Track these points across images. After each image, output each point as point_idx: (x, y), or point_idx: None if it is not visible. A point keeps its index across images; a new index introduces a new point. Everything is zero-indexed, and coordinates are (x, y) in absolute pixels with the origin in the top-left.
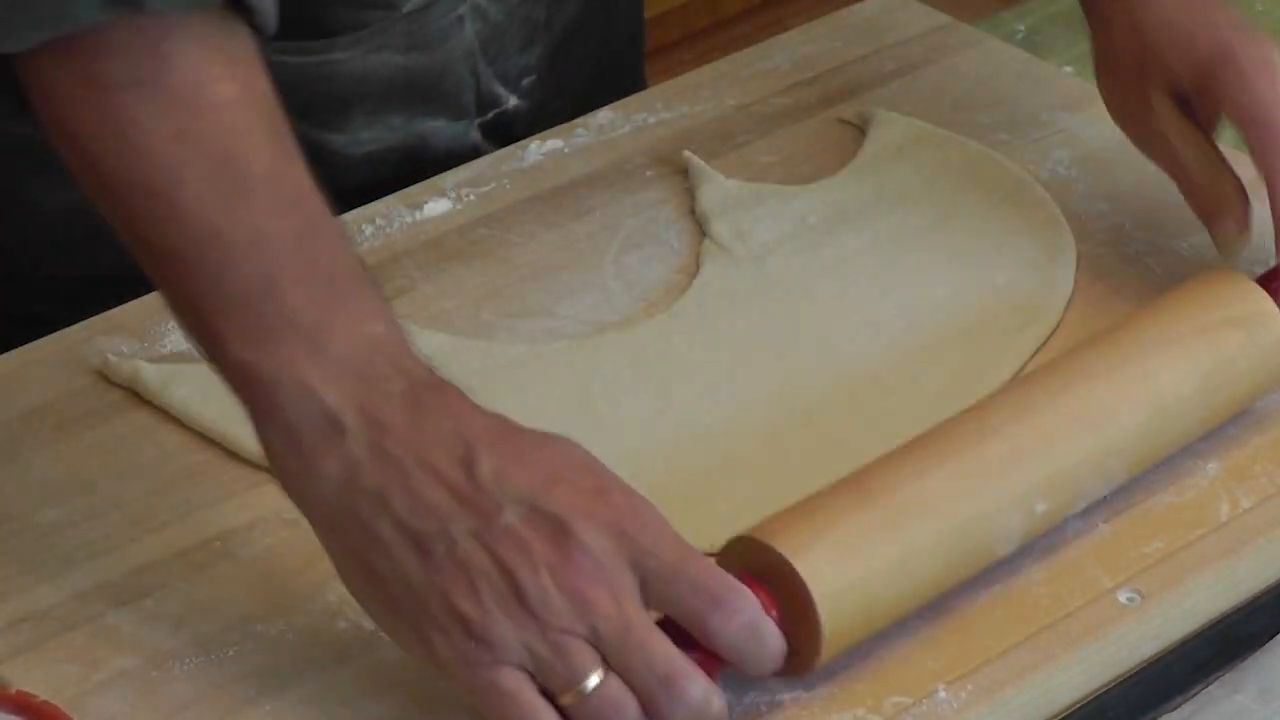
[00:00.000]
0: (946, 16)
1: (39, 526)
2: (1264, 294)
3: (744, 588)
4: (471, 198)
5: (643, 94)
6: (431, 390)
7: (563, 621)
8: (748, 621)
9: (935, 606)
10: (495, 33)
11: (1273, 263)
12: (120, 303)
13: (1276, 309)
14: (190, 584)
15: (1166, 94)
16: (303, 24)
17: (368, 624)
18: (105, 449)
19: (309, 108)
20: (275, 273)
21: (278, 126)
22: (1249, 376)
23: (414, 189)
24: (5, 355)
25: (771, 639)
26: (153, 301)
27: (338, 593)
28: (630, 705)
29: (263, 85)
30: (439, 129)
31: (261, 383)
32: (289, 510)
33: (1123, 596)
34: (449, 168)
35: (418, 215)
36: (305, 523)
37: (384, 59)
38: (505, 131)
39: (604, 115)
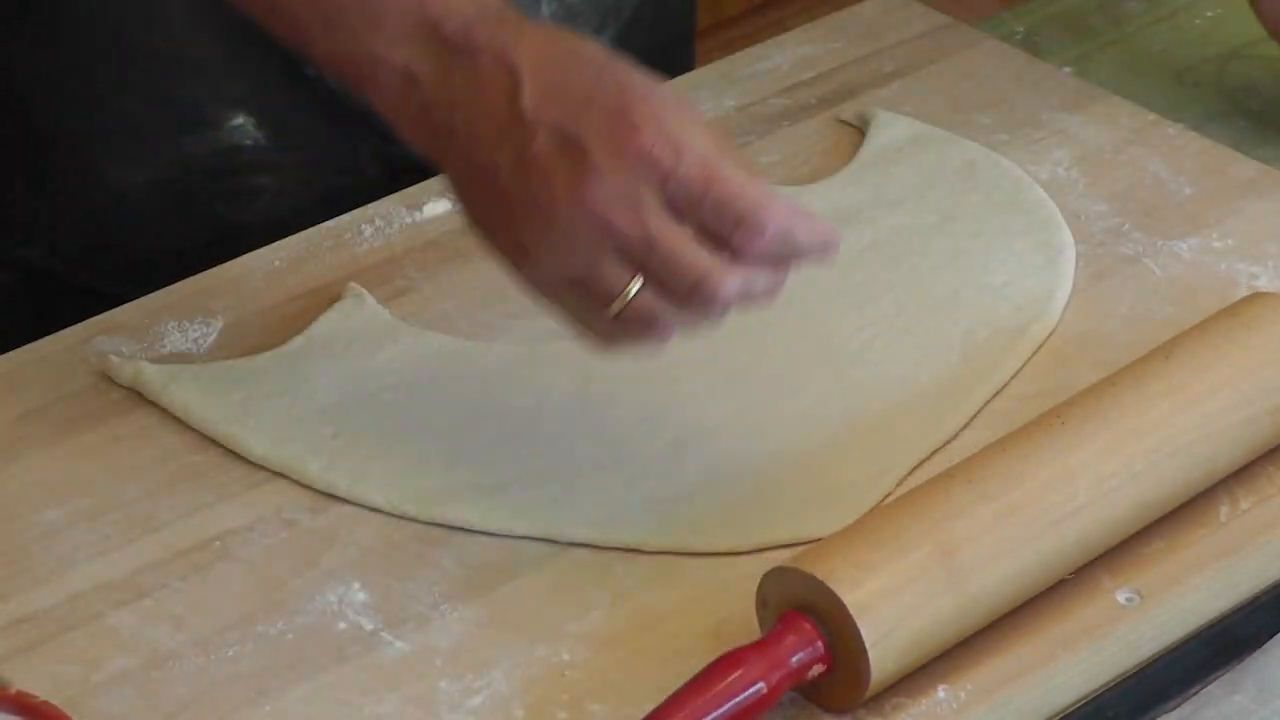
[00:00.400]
0: (946, 17)
1: (39, 526)
2: None
3: (772, 199)
4: None
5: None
6: (485, 24)
7: (588, 244)
8: (775, 233)
9: None
10: (569, 15)
11: None
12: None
13: None
14: (190, 584)
15: None
16: None
17: (368, 624)
18: (105, 449)
19: None
20: None
21: None
22: None
23: (414, 189)
24: (6, 355)
25: (805, 235)
26: (153, 302)
27: (337, 593)
28: (663, 311)
29: None
30: None
31: (347, 64)
32: (289, 510)
33: (1122, 596)
34: None
35: (418, 216)
36: (305, 522)
37: None
38: None
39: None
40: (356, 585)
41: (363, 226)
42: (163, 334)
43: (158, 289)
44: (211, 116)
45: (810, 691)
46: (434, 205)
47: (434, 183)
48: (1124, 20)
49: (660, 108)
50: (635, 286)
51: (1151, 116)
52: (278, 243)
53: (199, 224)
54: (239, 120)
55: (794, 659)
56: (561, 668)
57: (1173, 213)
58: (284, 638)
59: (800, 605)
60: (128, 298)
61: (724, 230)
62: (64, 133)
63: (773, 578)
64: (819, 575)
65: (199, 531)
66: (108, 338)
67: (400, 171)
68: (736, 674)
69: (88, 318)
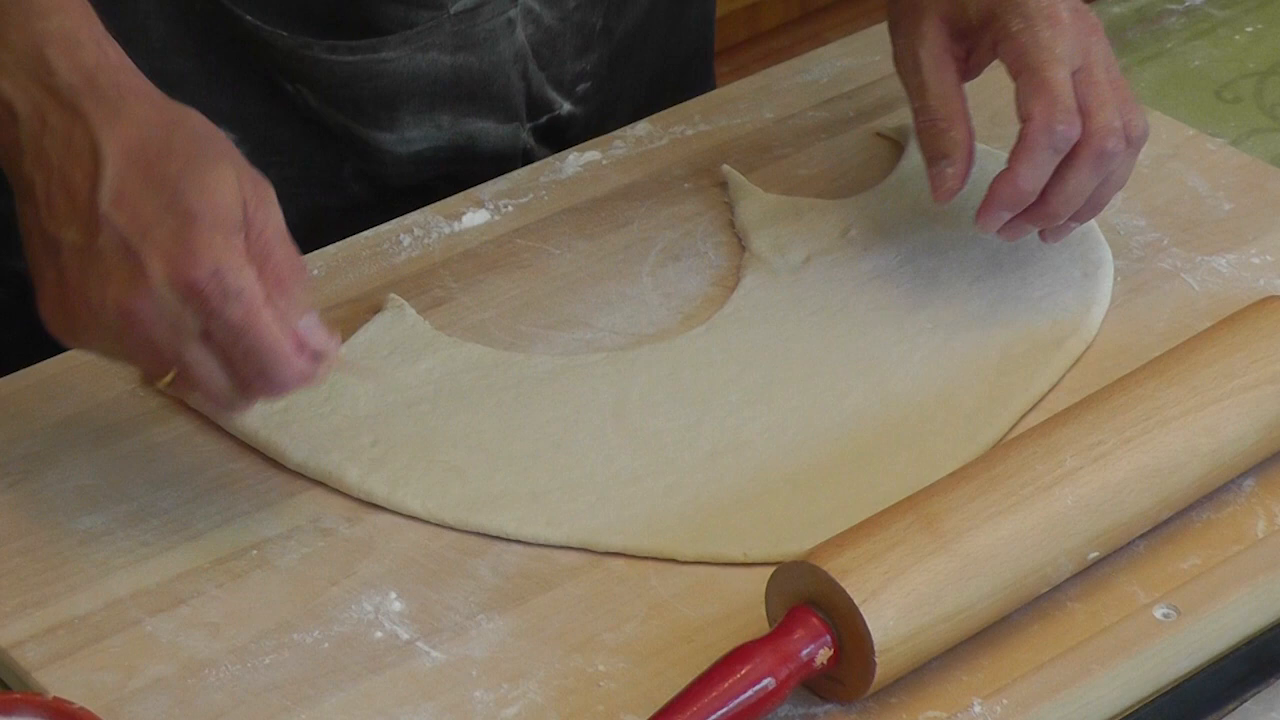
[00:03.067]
0: None
1: (76, 533)
2: None
3: (291, 358)
4: (510, 209)
5: (680, 106)
6: (95, 95)
7: (129, 345)
8: (286, 388)
9: None
10: (548, 37)
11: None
12: None
13: None
14: (227, 592)
15: (942, 21)
16: (351, 23)
17: (404, 633)
18: (143, 457)
19: (358, 106)
20: None
21: None
22: None
23: (452, 200)
24: (45, 363)
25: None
26: None
27: (374, 602)
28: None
29: None
30: (488, 130)
31: None
32: (326, 519)
33: (1159, 612)
34: (499, 169)
35: (456, 226)
36: (342, 532)
37: (432, 59)
38: (559, 137)
39: (642, 127)
40: (393, 594)
41: (401, 236)
42: None
43: None
44: None
45: (821, 685)
46: (472, 216)
47: (473, 193)
48: (1163, 35)
49: (223, 242)
50: (169, 378)
51: (1190, 132)
52: (316, 251)
53: None
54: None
55: (803, 652)
56: (596, 678)
57: (1211, 228)
58: (320, 646)
59: (806, 599)
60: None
61: (247, 375)
62: None
63: (778, 576)
64: (822, 566)
65: (236, 539)
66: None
67: (387, 193)
68: (746, 669)
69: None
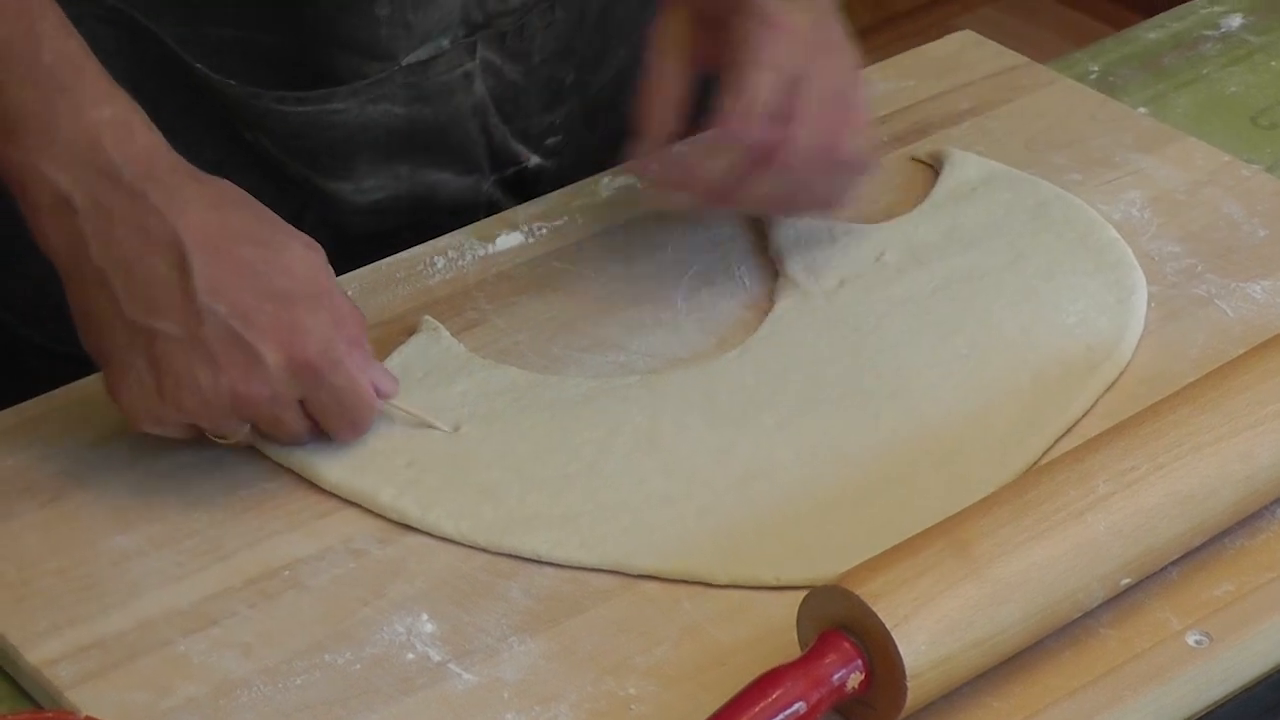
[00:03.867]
0: (1020, 56)
1: (110, 553)
2: None
3: (374, 410)
4: (544, 231)
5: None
6: (157, 182)
7: (225, 422)
8: (361, 432)
9: None
10: (511, 91)
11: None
12: None
13: None
14: (259, 612)
15: (690, 11)
16: (301, 73)
17: (436, 655)
18: (176, 477)
19: (314, 155)
20: (3, 74)
21: None
22: None
23: (486, 222)
24: (79, 382)
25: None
26: None
27: (406, 624)
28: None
29: None
30: (447, 181)
31: (11, 171)
32: (358, 540)
33: (1191, 639)
34: (460, 220)
35: (490, 248)
36: (374, 553)
37: (384, 110)
38: (527, 190)
39: (677, 150)
40: (425, 616)
41: (435, 258)
42: None
43: None
44: None
45: (852, 710)
46: (506, 238)
47: (507, 215)
48: (1199, 61)
49: (319, 316)
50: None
51: (1226, 158)
52: (351, 273)
53: None
54: None
55: (834, 677)
56: (628, 701)
57: (1246, 255)
58: (352, 668)
59: (838, 624)
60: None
61: (338, 426)
62: (6, 191)
63: (810, 600)
64: (853, 590)
65: (268, 560)
66: None
67: (348, 241)
68: (778, 693)
69: (52, 373)
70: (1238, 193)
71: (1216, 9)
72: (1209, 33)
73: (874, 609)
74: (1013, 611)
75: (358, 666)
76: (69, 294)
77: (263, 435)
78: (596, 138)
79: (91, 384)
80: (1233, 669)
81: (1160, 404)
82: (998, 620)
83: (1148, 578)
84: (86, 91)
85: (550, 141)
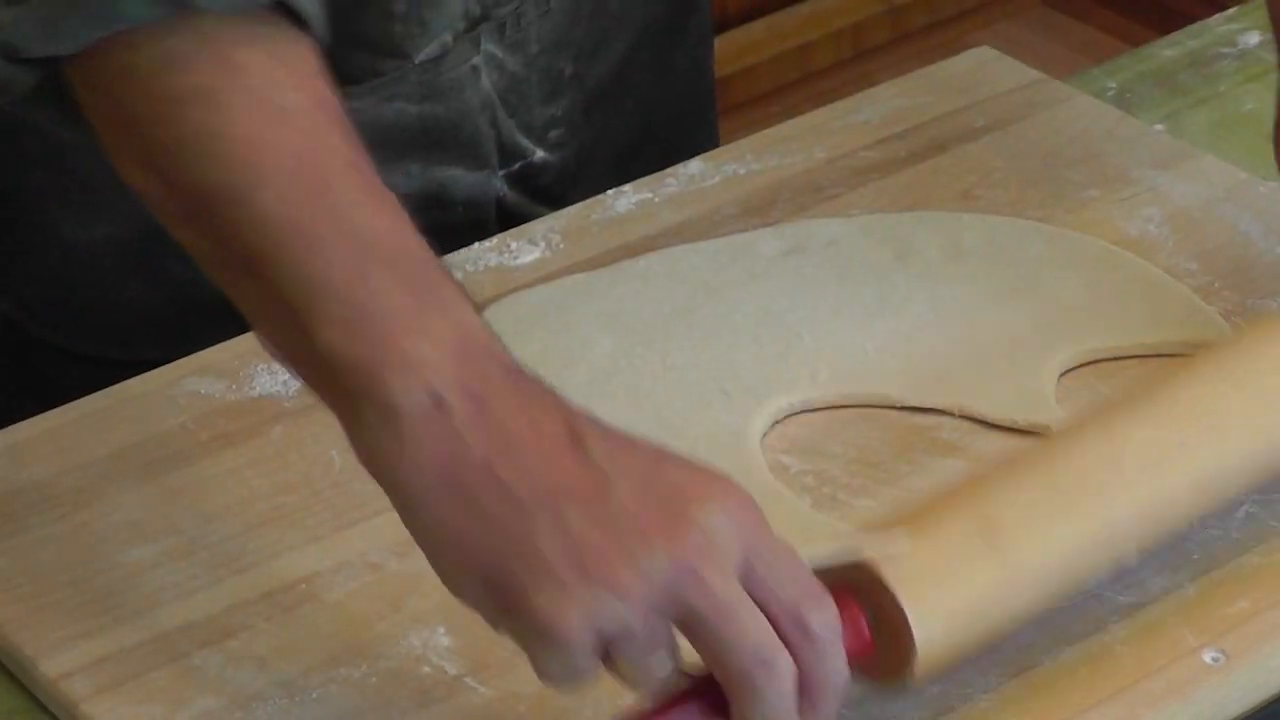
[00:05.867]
0: (1038, 72)
1: (125, 565)
2: None
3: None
4: (562, 246)
5: (733, 145)
6: (527, 378)
7: (658, 589)
8: (833, 622)
9: (1018, 664)
10: (514, 83)
11: None
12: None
13: None
14: (275, 626)
15: None
16: None
17: (451, 669)
18: (192, 490)
19: None
20: (367, 259)
21: (349, 129)
22: None
23: (505, 235)
24: (96, 395)
25: (842, 665)
26: (243, 344)
27: (421, 637)
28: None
29: (329, 92)
30: (458, 178)
31: (358, 365)
32: (374, 554)
33: (1208, 656)
34: (470, 217)
35: (508, 261)
36: (391, 566)
37: (398, 108)
38: (534, 184)
39: (695, 165)
40: (441, 630)
41: (453, 272)
42: (252, 375)
43: (126, 350)
44: None
45: (863, 670)
46: (525, 252)
47: (526, 229)
48: (1216, 79)
49: (730, 478)
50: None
51: (1243, 175)
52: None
53: (157, 283)
54: None
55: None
56: (646, 717)
57: (1263, 272)
58: (368, 681)
59: (844, 586)
60: (98, 357)
61: (797, 597)
62: (23, 187)
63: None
64: (871, 566)
65: (285, 573)
66: (197, 378)
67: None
68: None
69: (63, 374)
70: (1255, 210)
71: (1234, 26)
72: (1226, 50)
73: (897, 596)
74: (1029, 595)
75: (374, 680)
76: (430, 520)
77: (728, 659)
78: (595, 131)
79: (108, 396)
80: (1249, 686)
81: (1188, 374)
82: (1012, 606)
83: (1164, 594)
84: (452, 290)
85: (553, 134)
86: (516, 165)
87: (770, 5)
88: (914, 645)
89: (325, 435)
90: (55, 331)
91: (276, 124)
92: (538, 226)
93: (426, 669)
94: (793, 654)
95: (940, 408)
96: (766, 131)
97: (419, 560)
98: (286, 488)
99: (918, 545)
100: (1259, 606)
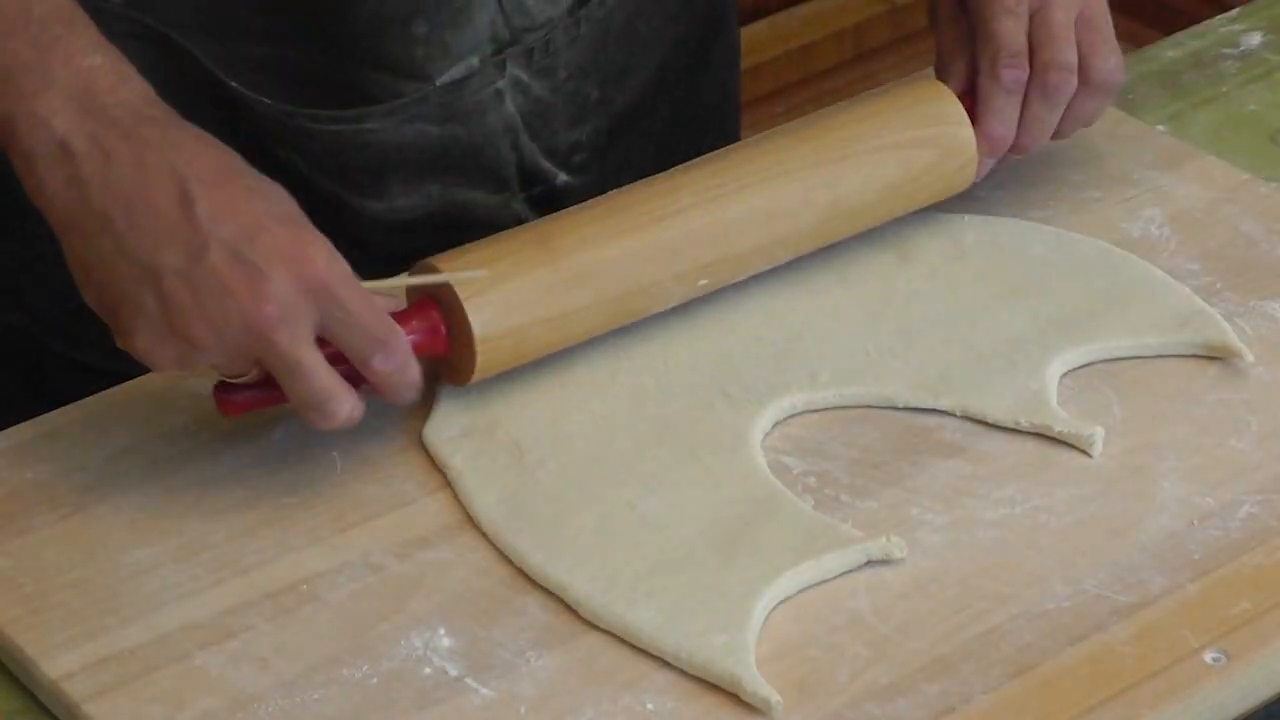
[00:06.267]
0: None
1: (127, 566)
2: (963, 114)
3: (401, 333)
4: None
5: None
6: (152, 122)
7: (239, 352)
8: (399, 364)
9: (1018, 664)
10: (539, 108)
11: None
12: None
13: (972, 132)
14: (277, 626)
15: None
16: (337, 92)
17: (453, 670)
18: (194, 491)
19: (346, 174)
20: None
21: None
22: (930, 189)
23: None
24: (99, 395)
25: (413, 378)
26: None
27: (423, 638)
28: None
29: None
30: (477, 200)
31: (1, 122)
32: (376, 555)
33: (1209, 656)
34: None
35: None
36: (392, 567)
37: (419, 129)
38: (555, 206)
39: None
40: (442, 631)
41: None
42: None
43: (139, 366)
44: None
45: (444, 368)
46: None
47: None
48: (1219, 79)
49: (322, 238)
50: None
51: (1244, 176)
52: (368, 284)
53: None
54: None
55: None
56: (646, 717)
57: (1264, 272)
58: (369, 682)
59: (429, 300)
60: (109, 370)
61: (366, 350)
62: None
63: (414, 272)
64: (439, 265)
65: (287, 574)
66: (199, 379)
67: (378, 260)
68: None
69: (76, 385)
70: (1256, 211)
71: (1236, 27)
72: (1228, 51)
73: (452, 283)
74: (584, 295)
75: (375, 681)
76: (68, 248)
77: (290, 393)
78: (620, 155)
79: (110, 397)
80: (1250, 687)
81: (761, 137)
82: (567, 301)
83: (1166, 595)
84: (78, 41)
85: (577, 158)
86: (538, 189)
87: (773, 5)
88: (473, 335)
89: (327, 437)
90: (68, 344)
91: None
92: None
93: (428, 670)
94: (370, 383)
95: (942, 408)
96: (769, 132)
97: (420, 562)
98: (288, 489)
99: (488, 264)
100: (1260, 608)
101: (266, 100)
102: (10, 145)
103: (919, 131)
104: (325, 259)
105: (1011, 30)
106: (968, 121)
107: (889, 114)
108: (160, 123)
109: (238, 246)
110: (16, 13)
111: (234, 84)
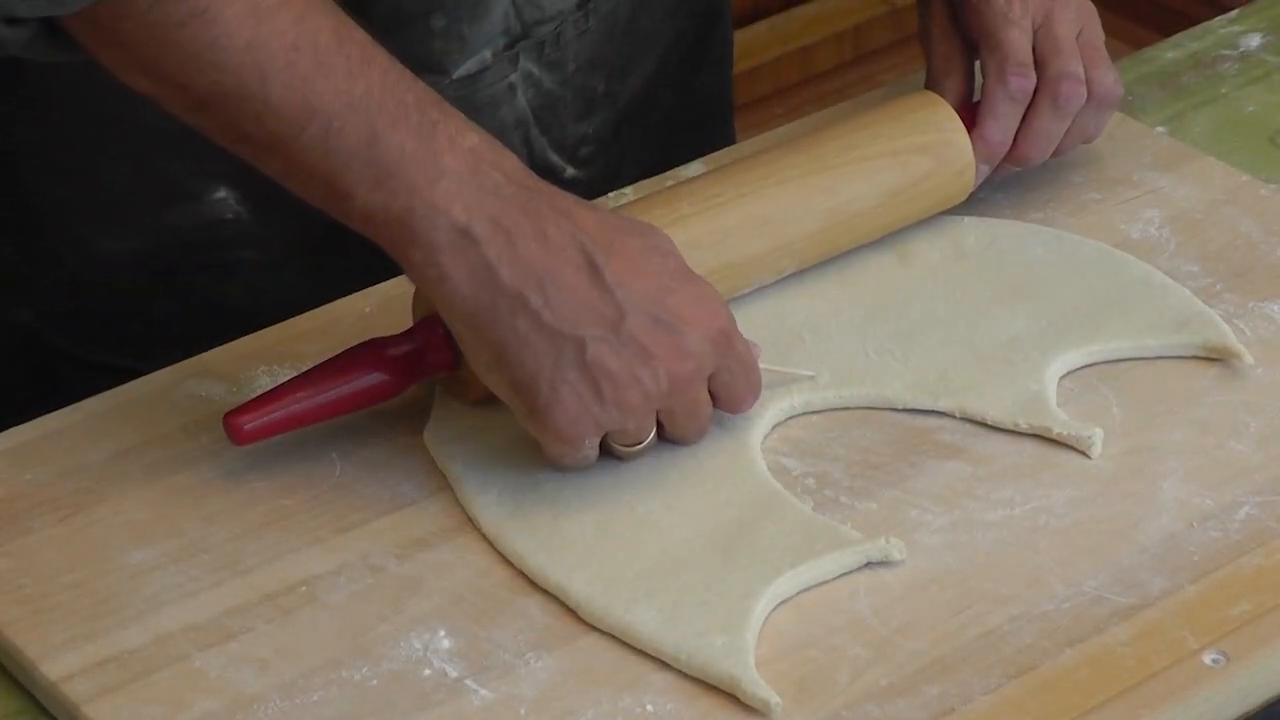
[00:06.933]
0: None
1: (127, 568)
2: (959, 122)
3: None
4: None
5: (734, 147)
6: (538, 194)
7: (655, 402)
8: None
9: (1018, 665)
10: (549, 101)
11: None
12: (181, 347)
13: (968, 138)
14: (276, 628)
15: (942, 2)
16: None
17: (453, 671)
18: (194, 492)
19: None
20: (373, 122)
21: (327, 5)
22: (930, 197)
23: None
24: (98, 397)
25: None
26: (243, 346)
27: (423, 640)
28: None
29: None
30: None
31: (394, 217)
32: (375, 556)
33: (1208, 658)
34: None
35: None
36: (392, 569)
37: None
38: None
39: (695, 167)
40: (442, 632)
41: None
42: (254, 378)
43: (147, 362)
44: (193, 189)
45: (451, 386)
46: None
47: None
48: (1218, 81)
49: (716, 293)
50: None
51: (1244, 177)
52: (368, 289)
53: (180, 296)
54: (221, 193)
55: (420, 355)
56: (645, 717)
57: (1264, 274)
58: (369, 683)
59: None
60: (118, 369)
61: (744, 394)
62: (51, 199)
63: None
64: None
65: (286, 576)
66: (198, 381)
67: (370, 257)
68: (357, 365)
69: (84, 384)
70: (1256, 212)
71: (1235, 28)
72: (1227, 52)
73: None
74: None
75: (375, 682)
76: (473, 334)
77: (682, 436)
78: (623, 148)
79: (111, 398)
80: (1250, 688)
81: (759, 150)
82: None
83: (1166, 596)
84: (454, 122)
85: (583, 152)
86: None
87: (773, 7)
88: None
89: (326, 437)
90: (77, 343)
91: (268, 21)
92: None
93: (427, 671)
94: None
95: (942, 410)
96: (768, 133)
97: (420, 563)
98: (287, 490)
99: None
100: (1260, 609)
101: None
102: (406, 240)
103: (916, 138)
104: (726, 312)
105: (1019, 40)
106: (964, 129)
107: (885, 122)
108: (544, 192)
109: (650, 309)
110: (395, 104)
111: None
